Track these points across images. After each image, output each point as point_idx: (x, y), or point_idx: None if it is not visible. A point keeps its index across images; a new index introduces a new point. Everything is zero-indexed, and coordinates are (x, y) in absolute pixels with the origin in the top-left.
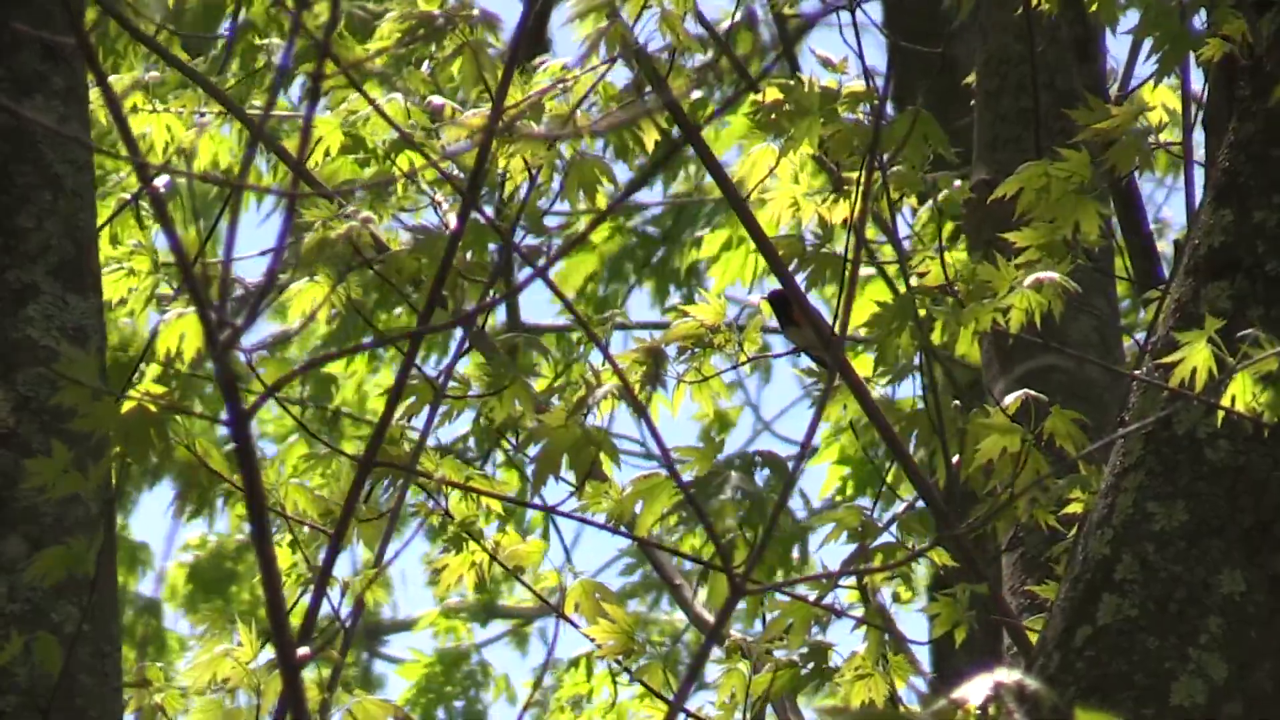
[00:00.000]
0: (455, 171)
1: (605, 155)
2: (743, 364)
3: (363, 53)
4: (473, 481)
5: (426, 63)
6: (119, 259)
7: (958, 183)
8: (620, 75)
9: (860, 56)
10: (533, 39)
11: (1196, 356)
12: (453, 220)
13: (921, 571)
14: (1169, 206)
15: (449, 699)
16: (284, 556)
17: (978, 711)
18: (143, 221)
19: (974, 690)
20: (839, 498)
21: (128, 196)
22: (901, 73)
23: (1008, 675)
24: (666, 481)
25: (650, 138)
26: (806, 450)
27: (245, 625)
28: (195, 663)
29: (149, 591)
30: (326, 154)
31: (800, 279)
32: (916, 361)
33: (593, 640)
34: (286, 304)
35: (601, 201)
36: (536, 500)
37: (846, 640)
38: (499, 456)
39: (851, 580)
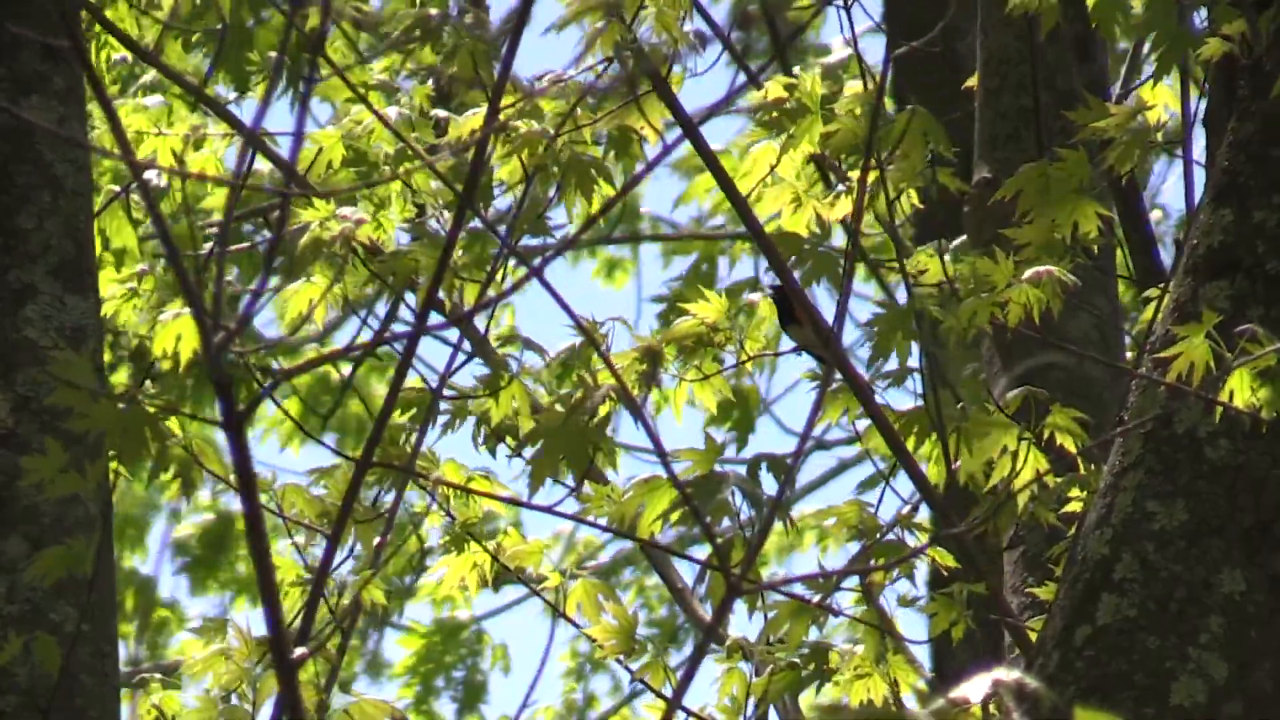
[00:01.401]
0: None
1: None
2: (744, 362)
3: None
4: (473, 482)
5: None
6: (121, 279)
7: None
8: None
9: (856, 51)
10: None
11: (1194, 352)
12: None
13: (923, 567)
14: (1168, 182)
15: (448, 669)
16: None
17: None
18: (132, 214)
19: (973, 690)
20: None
21: (116, 189)
22: (901, 69)
23: (1007, 675)
24: (667, 482)
25: (649, 135)
26: (806, 443)
27: (242, 621)
28: (193, 661)
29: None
30: (329, 166)
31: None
32: (916, 364)
33: (594, 640)
34: (283, 304)
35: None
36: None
37: (846, 639)
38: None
39: (854, 581)
